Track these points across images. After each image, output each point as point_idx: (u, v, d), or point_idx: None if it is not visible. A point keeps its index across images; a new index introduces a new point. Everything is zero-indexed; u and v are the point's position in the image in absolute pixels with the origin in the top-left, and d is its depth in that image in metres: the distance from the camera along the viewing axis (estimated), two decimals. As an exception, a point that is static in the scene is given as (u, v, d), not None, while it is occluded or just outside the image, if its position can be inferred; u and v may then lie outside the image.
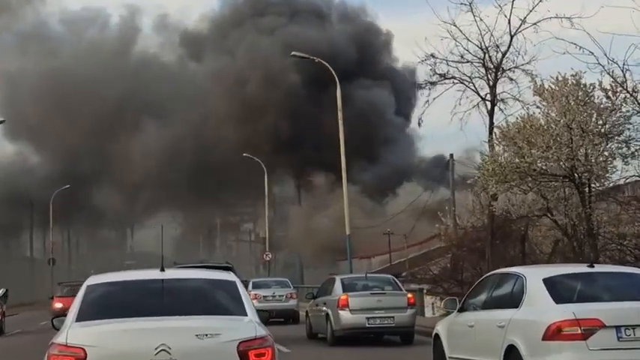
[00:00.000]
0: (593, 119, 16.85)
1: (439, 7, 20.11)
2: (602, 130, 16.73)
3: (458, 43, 19.10)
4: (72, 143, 60.86)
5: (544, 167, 17.18)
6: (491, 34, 18.86)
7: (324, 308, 19.56)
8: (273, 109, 63.29)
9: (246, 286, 14.73)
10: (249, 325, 6.65)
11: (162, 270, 7.38)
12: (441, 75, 19.73)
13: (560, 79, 17.15)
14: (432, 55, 19.50)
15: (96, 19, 72.03)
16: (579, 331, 8.21)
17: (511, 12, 18.56)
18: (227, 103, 63.40)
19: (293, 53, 38.29)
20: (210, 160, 62.41)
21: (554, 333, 8.32)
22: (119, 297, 7.16)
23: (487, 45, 18.89)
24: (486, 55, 18.98)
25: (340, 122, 32.26)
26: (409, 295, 19.75)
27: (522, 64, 18.86)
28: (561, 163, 16.79)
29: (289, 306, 28.74)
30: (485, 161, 18.20)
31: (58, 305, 31.88)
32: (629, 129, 16.97)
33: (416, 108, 70.82)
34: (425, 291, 25.27)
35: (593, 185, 17.47)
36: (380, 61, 73.43)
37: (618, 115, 16.83)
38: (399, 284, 20.97)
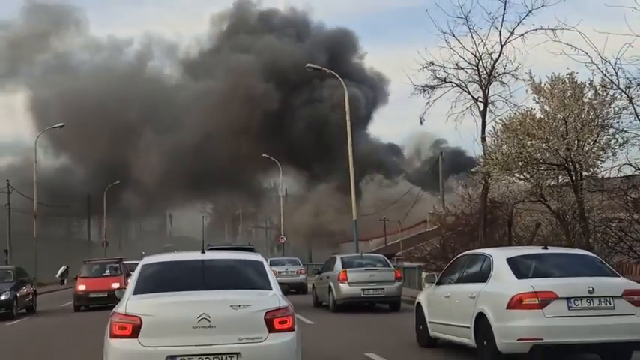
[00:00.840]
0: (586, 114, 16.01)
1: (440, 19, 19.98)
2: (595, 124, 15.88)
3: (454, 52, 18.36)
4: (104, 148, 59.65)
5: (543, 157, 16.37)
6: (484, 44, 18.13)
7: (328, 281, 19.57)
8: (254, 119, 60.82)
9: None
10: (273, 298, 6.62)
11: (203, 252, 7.44)
12: (441, 79, 18.81)
13: (554, 78, 16.41)
14: (432, 63, 18.49)
15: (117, 47, 70.99)
16: (537, 302, 8.15)
17: (502, 25, 17.84)
18: (224, 118, 60.78)
19: (308, 65, 36.22)
20: (232, 161, 61.03)
21: (516, 303, 8.25)
22: (168, 274, 7.13)
23: (480, 53, 18.14)
24: (480, 62, 18.19)
25: (348, 125, 31.05)
26: (396, 271, 19.70)
27: (511, 70, 18.06)
28: (559, 153, 15.95)
29: (299, 280, 28.71)
30: (491, 152, 17.23)
31: (81, 287, 23.15)
32: (618, 123, 16.07)
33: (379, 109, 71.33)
34: (422, 268, 25.02)
35: (585, 174, 16.66)
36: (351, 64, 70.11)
37: (609, 109, 15.98)
38: (388, 262, 20.90)
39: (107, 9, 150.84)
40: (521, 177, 17.41)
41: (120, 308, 6.48)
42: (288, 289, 24.63)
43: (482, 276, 9.24)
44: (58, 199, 52.80)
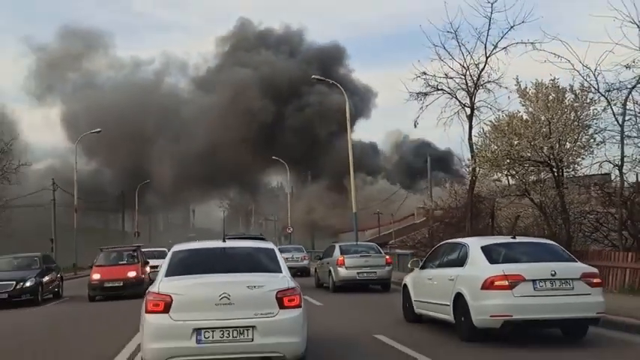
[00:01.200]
0: (567, 115, 15.78)
1: (432, 34, 19.90)
2: (576, 125, 15.64)
3: (444, 63, 18.06)
4: (126, 153, 59.15)
5: (529, 155, 16.08)
6: (471, 56, 17.93)
7: (328, 266, 19.60)
8: (253, 129, 59.56)
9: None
10: (283, 280, 6.75)
11: (224, 241, 7.65)
12: (433, 87, 18.45)
13: (538, 83, 16.27)
14: (424, 73, 18.19)
15: (137, 65, 70.00)
16: (507, 283, 8.19)
17: (487, 39, 17.62)
18: (227, 128, 59.22)
19: (313, 77, 36.28)
20: (237, 164, 60.34)
21: (489, 284, 8.29)
22: (194, 259, 7.26)
23: (468, 64, 17.91)
24: (467, 72, 17.91)
25: (349, 129, 30.79)
26: (387, 257, 19.71)
27: (495, 79, 17.86)
28: (543, 151, 15.70)
29: (303, 265, 29.01)
30: (480, 150, 16.82)
31: (95, 277, 19.21)
32: (596, 123, 15.88)
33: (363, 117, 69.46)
34: (413, 255, 25.03)
35: (566, 170, 16.44)
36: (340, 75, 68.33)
37: (589, 111, 15.80)
38: (380, 249, 20.87)
39: (131, 32, 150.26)
40: (508, 173, 17.13)
41: (154, 288, 6.61)
42: (295, 272, 24.79)
43: (460, 262, 9.27)
44: (93, 196, 52.63)
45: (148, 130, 58.31)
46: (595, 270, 8.69)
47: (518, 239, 9.74)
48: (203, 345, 6.23)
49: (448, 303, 9.11)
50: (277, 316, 6.36)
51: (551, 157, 15.83)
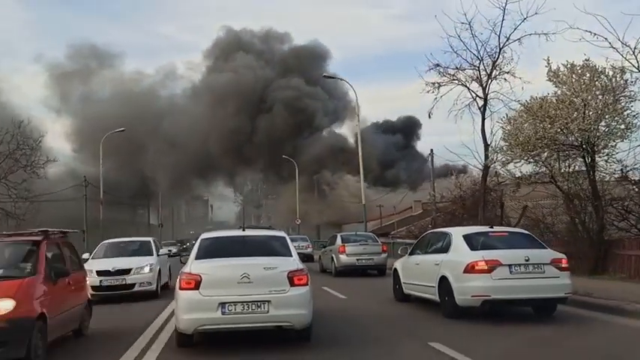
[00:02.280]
0: (603, 97, 13.62)
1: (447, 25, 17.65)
2: (613, 107, 13.44)
3: (458, 55, 15.96)
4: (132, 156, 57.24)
5: (562, 138, 14.09)
6: (485, 48, 15.70)
7: (330, 253, 19.78)
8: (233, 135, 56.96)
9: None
10: (294, 262, 7.16)
11: (243, 230, 8.15)
12: (447, 74, 16.17)
13: (570, 65, 14.24)
14: (438, 65, 16.19)
15: (138, 78, 66.74)
16: (486, 268, 8.34)
17: (500, 30, 15.35)
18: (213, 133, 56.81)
19: (324, 75, 33.53)
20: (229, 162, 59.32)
21: (470, 268, 8.45)
22: (219, 245, 7.65)
23: (482, 55, 15.75)
24: (481, 63, 15.83)
25: (358, 127, 29.96)
26: (383, 245, 19.83)
27: (509, 70, 15.54)
28: (577, 134, 13.72)
29: (307, 252, 29.75)
30: (511, 133, 14.70)
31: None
32: (632, 106, 13.63)
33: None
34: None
35: (599, 155, 14.21)
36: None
37: (627, 92, 13.62)
38: (377, 238, 20.89)
39: (135, 48, 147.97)
40: (535, 159, 15.15)
41: (186, 269, 6.98)
42: (304, 257, 25.90)
43: (444, 248, 9.41)
44: (117, 192, 51.95)
45: (144, 135, 55.95)
46: (563, 255, 8.81)
47: (496, 229, 9.88)
48: (227, 316, 6.63)
49: (434, 285, 9.25)
50: (288, 292, 6.73)
51: (586, 140, 13.94)
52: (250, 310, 6.65)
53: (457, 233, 9.43)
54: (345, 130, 62.43)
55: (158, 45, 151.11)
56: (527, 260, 8.38)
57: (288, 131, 56.79)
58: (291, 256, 7.34)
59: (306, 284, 6.91)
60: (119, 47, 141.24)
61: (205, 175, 62.38)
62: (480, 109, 15.99)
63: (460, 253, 8.91)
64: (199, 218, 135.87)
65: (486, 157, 15.68)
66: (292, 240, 28.94)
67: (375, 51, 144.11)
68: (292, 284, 6.79)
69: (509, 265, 8.35)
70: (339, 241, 19.52)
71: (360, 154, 28.80)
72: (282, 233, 8.19)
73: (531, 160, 15.16)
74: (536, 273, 8.36)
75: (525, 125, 14.57)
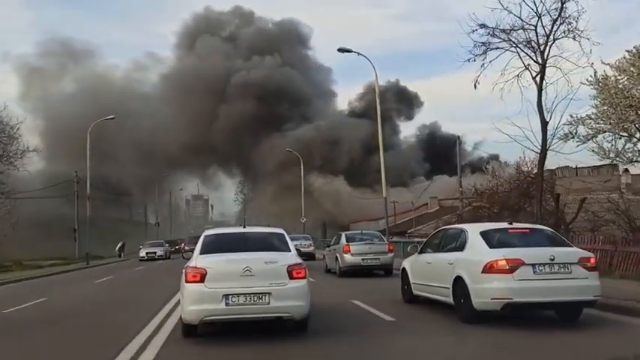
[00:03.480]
0: None
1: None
2: None
3: (509, 12, 13.54)
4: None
5: None
6: (543, 3, 13.38)
7: (335, 253, 19.24)
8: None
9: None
10: (292, 257, 7.56)
11: (244, 227, 8.60)
12: (497, 35, 13.91)
13: None
14: (484, 25, 13.88)
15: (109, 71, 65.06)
16: (507, 267, 7.68)
17: None
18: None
19: (339, 48, 25.51)
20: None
21: (489, 268, 7.80)
22: (222, 241, 8.10)
23: (540, 12, 13.33)
24: (539, 22, 13.36)
25: (378, 109, 25.27)
26: (389, 245, 19.30)
27: (574, 29, 13.16)
28: None
29: (309, 250, 30.56)
30: (611, 91, 12.36)
31: None
32: None
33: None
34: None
35: None
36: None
37: None
38: (383, 237, 20.37)
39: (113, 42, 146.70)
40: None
41: (192, 263, 7.35)
42: (302, 256, 25.87)
43: (459, 246, 8.76)
44: (108, 190, 50.38)
45: (113, 134, 53.15)
46: (591, 254, 8.19)
47: (515, 225, 9.18)
48: (230, 307, 7.00)
49: (447, 286, 8.61)
50: (288, 285, 7.12)
51: None
52: (252, 301, 7.00)
53: (473, 230, 8.77)
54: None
55: (158, 44, 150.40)
56: (552, 259, 7.72)
57: (260, 121, 53.22)
58: (289, 251, 7.73)
59: (304, 277, 7.27)
60: (100, 43, 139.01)
61: (176, 170, 59.69)
62: (534, 79, 13.40)
63: (477, 251, 8.25)
64: (200, 217, 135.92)
65: (544, 137, 13.39)
66: (294, 239, 28.53)
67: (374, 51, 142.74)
68: (291, 277, 7.15)
69: (533, 265, 7.69)
70: (343, 240, 18.99)
71: (380, 138, 25.55)
72: (280, 230, 8.45)
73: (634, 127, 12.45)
74: (562, 273, 7.69)
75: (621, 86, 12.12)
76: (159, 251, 38.28)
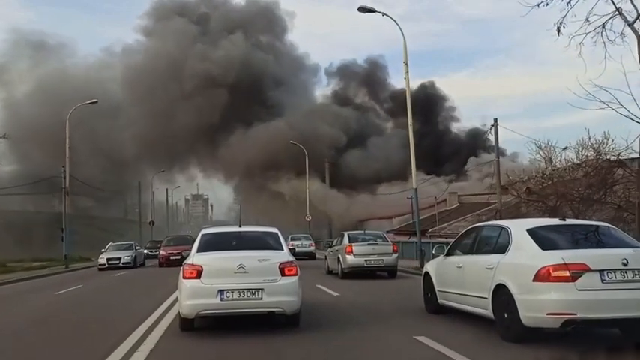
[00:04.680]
0: None
1: None
2: None
3: None
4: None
5: None
6: None
7: (337, 253, 17.91)
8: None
9: (286, 239, 17.03)
10: (284, 255, 7.68)
11: (240, 226, 8.72)
12: None
13: None
14: None
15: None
16: (568, 274, 5.88)
17: None
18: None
19: (360, 7, 20.04)
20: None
21: (544, 275, 6.00)
22: (219, 239, 8.21)
23: None
24: None
25: (407, 84, 20.96)
26: (393, 245, 17.92)
27: None
28: None
29: (310, 250, 30.29)
30: None
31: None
32: None
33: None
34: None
35: None
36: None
37: None
38: (387, 237, 18.87)
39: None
40: None
41: (189, 260, 7.51)
42: (303, 255, 27.61)
43: (500, 247, 6.95)
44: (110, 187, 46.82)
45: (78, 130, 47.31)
46: None
47: (570, 221, 7.36)
48: (225, 302, 7.16)
49: (485, 295, 6.84)
50: (280, 281, 7.26)
51: None
52: (246, 296, 7.16)
53: (519, 227, 6.96)
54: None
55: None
56: (625, 264, 5.93)
57: (225, 113, 47.59)
58: (282, 249, 7.85)
59: (296, 274, 7.40)
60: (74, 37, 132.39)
61: (148, 165, 53.53)
62: (631, 25, 9.59)
63: (526, 253, 6.47)
64: (199, 217, 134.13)
65: None
66: (296, 239, 26.57)
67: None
68: (283, 274, 7.30)
69: (601, 271, 5.91)
70: (346, 240, 17.61)
71: (409, 115, 21.22)
72: (274, 230, 8.45)
73: None
74: (638, 282, 5.93)
75: None
76: (124, 257, 27.12)
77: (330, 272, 18.77)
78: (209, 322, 7.71)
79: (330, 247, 19.61)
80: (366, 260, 16.78)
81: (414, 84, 51.17)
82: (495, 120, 24.96)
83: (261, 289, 7.13)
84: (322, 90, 59.33)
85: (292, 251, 9.11)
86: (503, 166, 24.84)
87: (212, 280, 7.17)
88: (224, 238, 8.29)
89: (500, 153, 28.23)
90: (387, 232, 33.79)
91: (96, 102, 31.70)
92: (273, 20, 54.25)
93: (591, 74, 9.29)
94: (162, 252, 27.36)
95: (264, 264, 7.29)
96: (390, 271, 17.13)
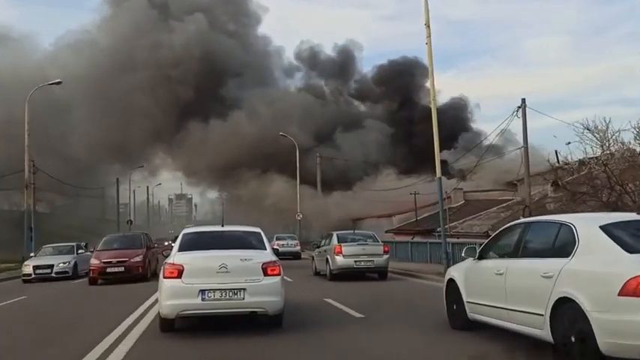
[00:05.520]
0: None
1: None
2: None
3: None
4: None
5: None
6: None
7: (325, 254, 16.47)
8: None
9: (271, 239, 16.38)
10: (267, 255, 7.44)
11: (222, 226, 8.44)
12: None
13: None
14: None
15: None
16: None
17: None
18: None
19: None
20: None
21: (635, 289, 4.23)
22: (200, 239, 7.88)
23: None
24: None
25: (430, 54, 15.91)
26: (384, 246, 16.53)
27: None
28: None
29: (295, 250, 29.25)
30: None
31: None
32: None
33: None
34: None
35: None
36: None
37: None
38: (377, 237, 17.29)
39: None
40: None
41: (170, 260, 7.25)
42: (289, 255, 26.90)
43: (561, 249, 5.17)
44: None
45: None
46: None
47: None
48: (206, 302, 6.93)
49: (540, 312, 5.07)
50: (262, 281, 7.05)
51: None
52: (228, 296, 6.94)
53: (588, 223, 5.19)
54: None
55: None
56: None
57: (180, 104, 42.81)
58: (265, 249, 7.63)
59: (279, 274, 7.18)
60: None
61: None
62: None
63: (604, 257, 4.71)
64: (183, 217, 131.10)
65: None
66: (281, 239, 24.82)
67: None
68: (266, 274, 7.08)
69: None
70: (334, 240, 16.16)
71: (432, 91, 16.59)
72: (257, 229, 8.22)
73: None
74: None
75: None
76: (58, 264, 18.69)
77: (317, 274, 17.42)
78: (190, 323, 7.47)
79: (318, 247, 18.12)
80: (355, 261, 15.58)
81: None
82: (523, 101, 20.27)
83: (244, 289, 6.94)
84: (293, 82, 52.80)
85: (276, 251, 8.77)
86: (510, 160, 22.61)
87: (193, 279, 6.95)
88: (206, 237, 8.03)
89: (509, 143, 24.70)
90: (386, 231, 31.93)
91: (60, 82, 28.00)
92: (242, 10, 50.02)
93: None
94: (93, 261, 16.37)
95: (246, 264, 7.10)
96: (381, 273, 15.92)
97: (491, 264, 6.20)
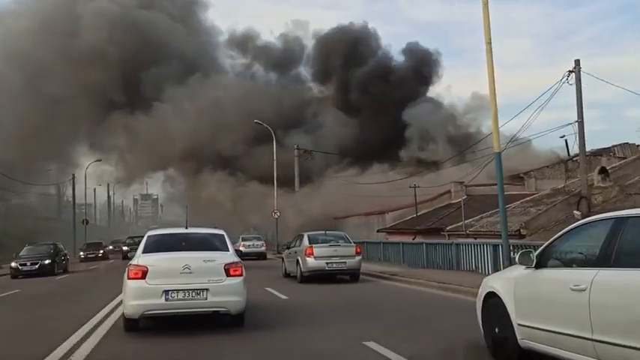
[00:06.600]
0: None
1: None
2: None
3: None
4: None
5: None
6: None
7: (296, 256, 15.66)
8: None
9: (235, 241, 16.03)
10: (230, 256, 7.49)
11: (186, 228, 8.52)
12: None
13: None
14: None
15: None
16: None
17: None
18: None
19: None
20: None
21: None
22: (164, 241, 7.98)
23: None
24: None
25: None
26: (356, 247, 15.79)
27: None
28: None
29: (261, 250, 29.11)
30: None
31: None
32: None
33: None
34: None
35: None
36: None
37: None
38: (349, 238, 16.49)
39: None
40: None
41: (134, 261, 7.27)
42: (254, 255, 27.17)
43: None
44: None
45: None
46: None
47: None
48: (170, 302, 6.98)
49: None
50: (225, 282, 7.12)
51: None
52: (191, 297, 6.99)
53: None
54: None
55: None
56: None
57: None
58: (228, 250, 7.67)
59: (241, 275, 7.23)
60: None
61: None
62: None
63: None
64: (149, 218, 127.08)
65: None
66: (247, 239, 23.56)
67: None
68: (228, 275, 7.13)
69: None
70: (305, 241, 15.36)
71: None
72: (220, 231, 8.25)
73: None
74: None
75: None
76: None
77: (287, 275, 16.52)
78: (154, 323, 7.50)
79: (288, 248, 17.21)
80: (327, 263, 14.87)
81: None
82: (577, 63, 16.05)
83: (206, 290, 7.03)
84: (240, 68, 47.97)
85: (239, 252, 8.64)
86: (514, 156, 19.34)
87: (157, 280, 7.01)
88: (170, 239, 8.09)
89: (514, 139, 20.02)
90: (378, 231, 28.70)
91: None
92: None
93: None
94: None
95: (209, 265, 7.17)
96: (352, 275, 15.13)
97: (563, 275, 4.52)
